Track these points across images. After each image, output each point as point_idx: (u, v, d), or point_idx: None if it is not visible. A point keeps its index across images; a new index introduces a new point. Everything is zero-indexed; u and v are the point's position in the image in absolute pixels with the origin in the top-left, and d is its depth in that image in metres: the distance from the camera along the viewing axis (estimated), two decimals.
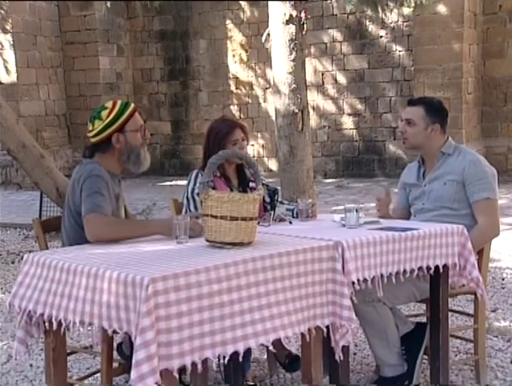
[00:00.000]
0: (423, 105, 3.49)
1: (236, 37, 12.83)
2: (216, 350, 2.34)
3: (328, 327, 2.71)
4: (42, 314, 2.62)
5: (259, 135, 12.84)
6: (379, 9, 8.26)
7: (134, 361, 2.17)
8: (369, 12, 9.10)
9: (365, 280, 2.77)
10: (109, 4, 11.38)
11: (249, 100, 12.90)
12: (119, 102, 3.21)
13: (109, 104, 3.18)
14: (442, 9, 10.51)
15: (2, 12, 11.92)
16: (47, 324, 2.62)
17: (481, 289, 3.13)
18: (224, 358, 2.37)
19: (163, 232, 2.92)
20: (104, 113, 3.14)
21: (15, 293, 2.71)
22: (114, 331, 2.37)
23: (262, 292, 2.48)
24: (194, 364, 2.30)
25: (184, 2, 12.87)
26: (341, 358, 2.76)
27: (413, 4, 7.32)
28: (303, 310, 2.62)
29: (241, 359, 2.43)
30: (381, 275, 2.82)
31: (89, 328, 2.52)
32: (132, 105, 3.22)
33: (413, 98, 3.72)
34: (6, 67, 12.12)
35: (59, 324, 2.56)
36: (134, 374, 2.16)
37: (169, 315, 2.24)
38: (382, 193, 3.61)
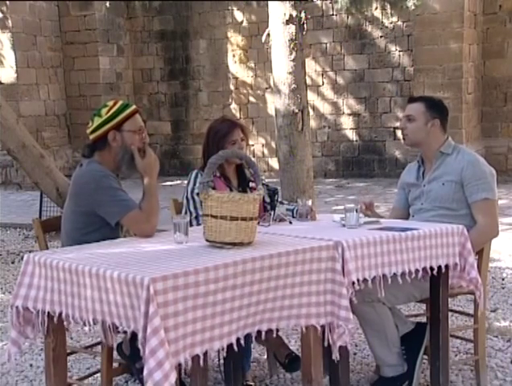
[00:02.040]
0: (423, 101, 3.51)
1: (236, 37, 12.82)
2: (214, 343, 2.35)
3: (323, 327, 2.71)
4: (54, 313, 2.61)
5: (259, 135, 12.84)
6: (367, 8, 8.22)
7: (154, 362, 2.17)
8: (356, 11, 9.09)
9: (365, 280, 2.76)
10: (108, 4, 11.37)
11: (249, 100, 12.90)
12: (120, 101, 3.21)
13: (110, 103, 3.19)
14: (442, 9, 10.52)
15: (2, 12, 11.92)
16: (55, 320, 2.62)
17: (480, 290, 3.11)
18: (224, 355, 2.38)
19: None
20: (103, 110, 3.14)
21: (22, 294, 2.69)
22: (122, 330, 2.38)
23: (262, 289, 2.48)
24: (194, 364, 2.30)
25: (184, 2, 12.87)
26: (338, 358, 2.76)
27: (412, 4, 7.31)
28: (300, 306, 2.63)
29: (236, 348, 2.44)
30: (383, 275, 2.82)
31: (87, 328, 2.53)
32: (133, 106, 3.21)
33: (413, 96, 3.73)
34: (6, 67, 12.12)
35: (62, 321, 2.56)
36: (158, 375, 2.16)
37: (167, 314, 2.23)
38: (366, 201, 3.56)
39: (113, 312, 2.36)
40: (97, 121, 3.13)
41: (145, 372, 2.19)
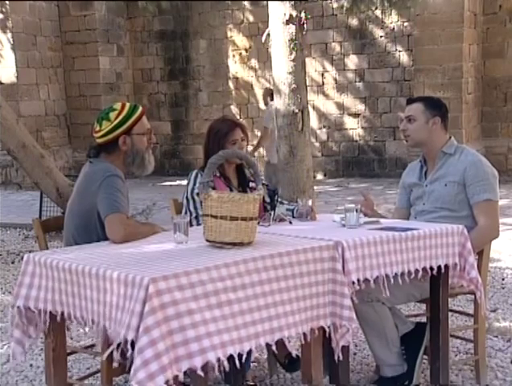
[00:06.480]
0: (421, 101, 3.51)
1: (236, 37, 12.83)
2: (227, 349, 2.32)
3: (329, 327, 2.71)
4: (56, 312, 2.61)
5: (259, 135, 12.84)
6: (373, 7, 8.24)
7: (140, 361, 2.14)
8: (363, 10, 9.12)
9: (365, 280, 2.76)
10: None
11: (249, 100, 12.90)
12: (128, 104, 3.21)
13: (118, 106, 3.18)
14: (442, 9, 10.52)
15: (2, 12, 11.92)
16: (58, 319, 2.61)
17: (480, 290, 3.11)
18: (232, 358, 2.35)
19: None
20: (112, 115, 3.13)
21: (23, 294, 2.68)
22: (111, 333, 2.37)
23: (262, 292, 2.47)
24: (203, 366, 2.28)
25: (184, 1, 12.88)
26: (340, 358, 2.76)
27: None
28: (305, 309, 2.61)
29: (242, 360, 2.42)
30: (386, 275, 2.81)
31: (87, 329, 2.52)
32: (140, 108, 3.21)
33: (411, 97, 3.74)
34: (6, 67, 12.12)
35: (64, 321, 2.56)
36: (142, 374, 2.13)
37: (167, 316, 2.22)
38: (362, 197, 3.58)
39: (107, 314, 2.34)
40: (107, 125, 3.12)
41: (138, 363, 2.15)
